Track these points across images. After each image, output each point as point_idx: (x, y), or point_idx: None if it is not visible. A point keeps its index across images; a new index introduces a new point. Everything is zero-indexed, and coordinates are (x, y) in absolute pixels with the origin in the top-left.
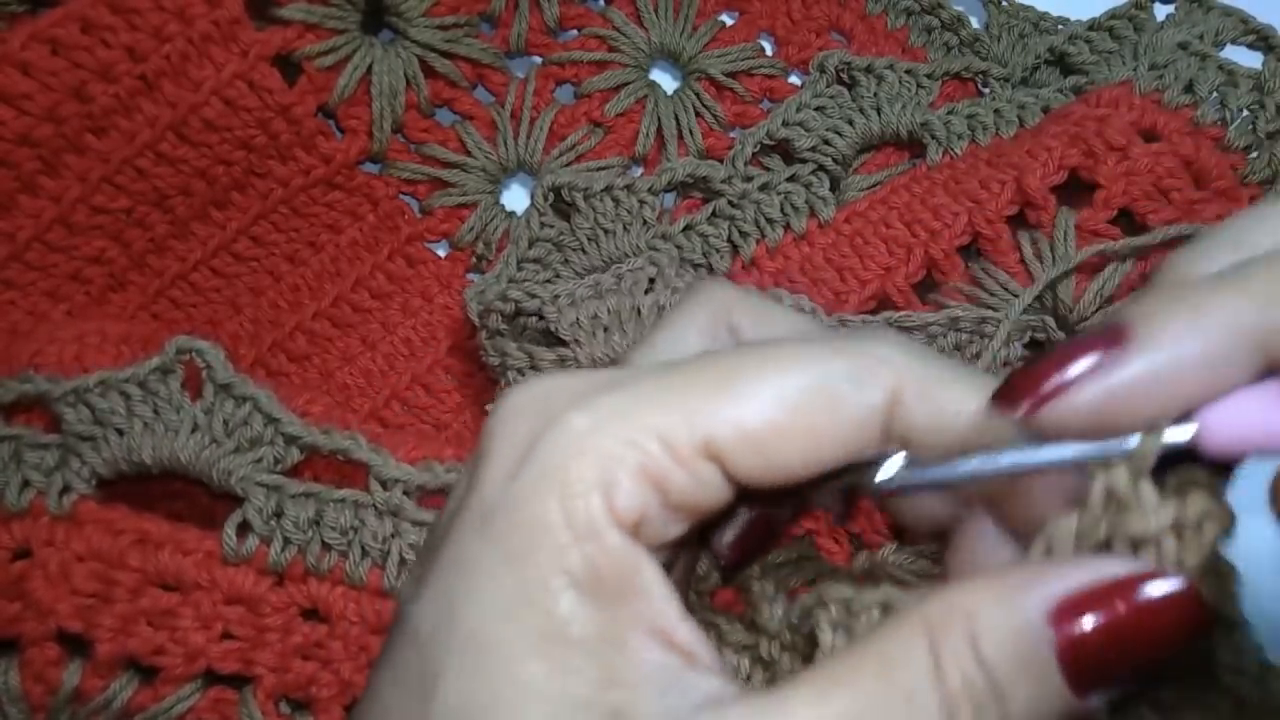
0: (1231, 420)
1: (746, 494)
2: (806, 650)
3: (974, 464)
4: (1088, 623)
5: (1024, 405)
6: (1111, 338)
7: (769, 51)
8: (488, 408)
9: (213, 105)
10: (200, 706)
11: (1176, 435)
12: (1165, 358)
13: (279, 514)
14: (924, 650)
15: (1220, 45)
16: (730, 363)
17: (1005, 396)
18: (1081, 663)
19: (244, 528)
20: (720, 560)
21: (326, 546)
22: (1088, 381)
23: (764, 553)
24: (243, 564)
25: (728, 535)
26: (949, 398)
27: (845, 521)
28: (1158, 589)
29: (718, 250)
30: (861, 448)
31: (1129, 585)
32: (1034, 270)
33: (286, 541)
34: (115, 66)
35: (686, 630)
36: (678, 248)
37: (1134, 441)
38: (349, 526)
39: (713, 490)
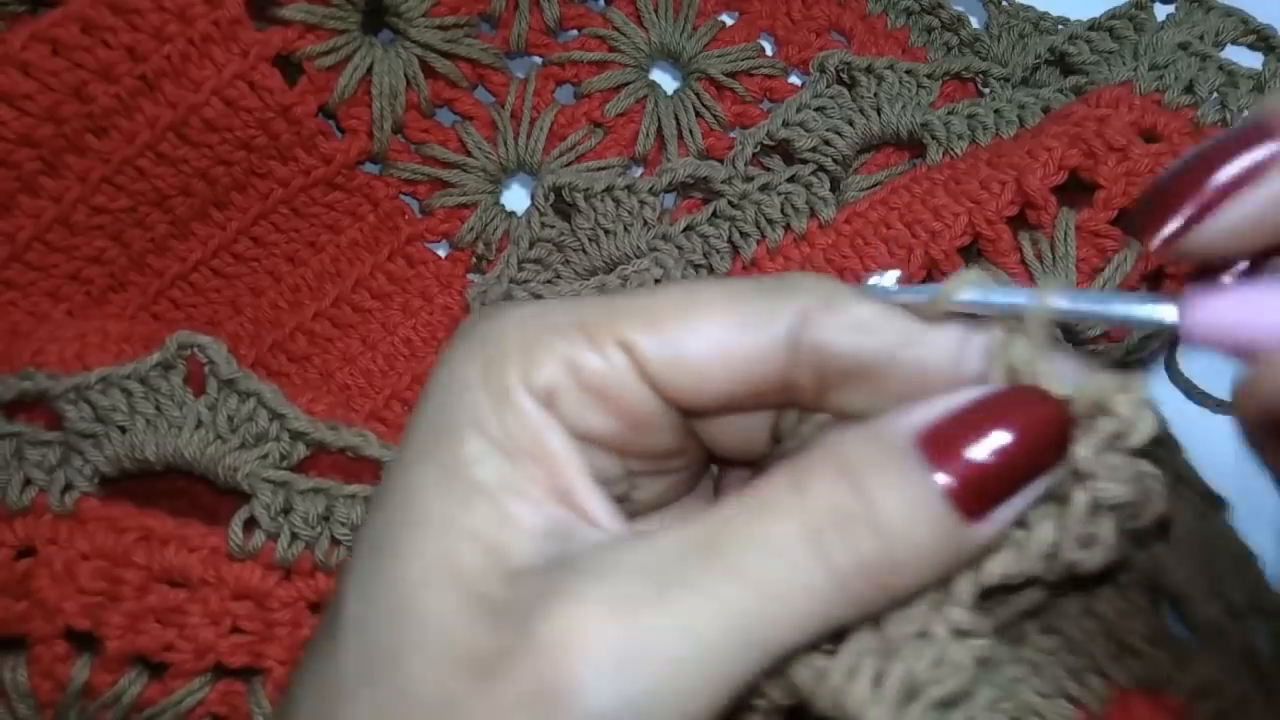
0: (1219, 312)
1: (691, 417)
2: None
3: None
4: (952, 436)
5: (1175, 222)
6: (1256, 135)
7: (769, 51)
8: None
9: (213, 105)
10: (210, 699)
11: (1162, 314)
12: None
13: (287, 510)
14: (789, 485)
15: (1220, 45)
16: (655, 289)
17: (1149, 216)
18: (945, 457)
19: (250, 524)
20: None
21: (336, 542)
22: (1247, 188)
23: None
24: (249, 560)
25: None
26: (860, 308)
27: None
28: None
29: (718, 251)
30: (776, 365)
31: (994, 405)
32: (1034, 270)
33: (294, 537)
34: (116, 67)
35: (592, 497)
36: (678, 248)
37: (1168, 313)
38: (359, 522)
39: (625, 380)
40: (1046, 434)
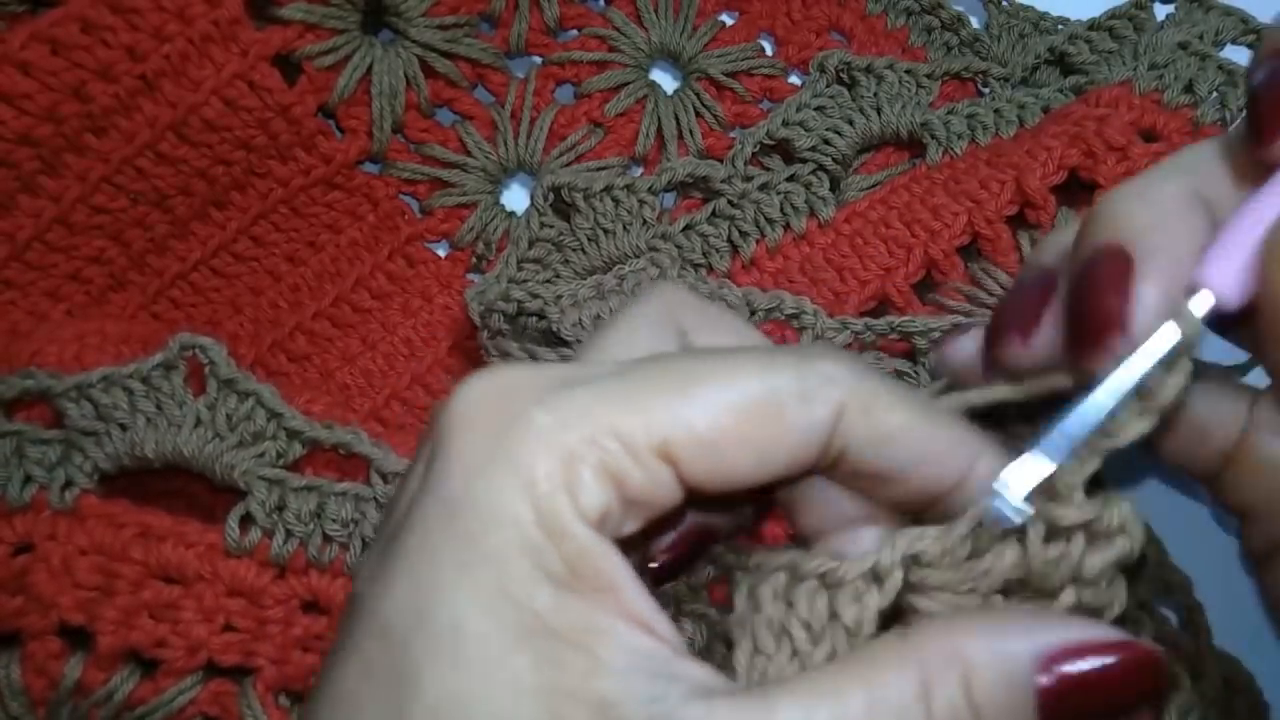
0: (1227, 270)
1: (694, 499)
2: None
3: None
4: (1069, 676)
5: (1094, 357)
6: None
7: (769, 51)
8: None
9: (213, 105)
10: (201, 699)
11: (1198, 306)
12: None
13: (281, 507)
14: (914, 687)
15: (1220, 45)
16: (686, 367)
17: (1077, 356)
18: (1057, 710)
19: (246, 521)
20: (652, 562)
21: (328, 539)
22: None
23: (697, 559)
24: (245, 557)
25: (666, 539)
26: (891, 418)
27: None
28: (1134, 652)
29: (717, 250)
30: (804, 460)
31: (1111, 647)
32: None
33: (289, 534)
34: (115, 66)
35: (663, 621)
36: (677, 248)
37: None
38: (350, 519)
39: (666, 490)
40: (1146, 701)
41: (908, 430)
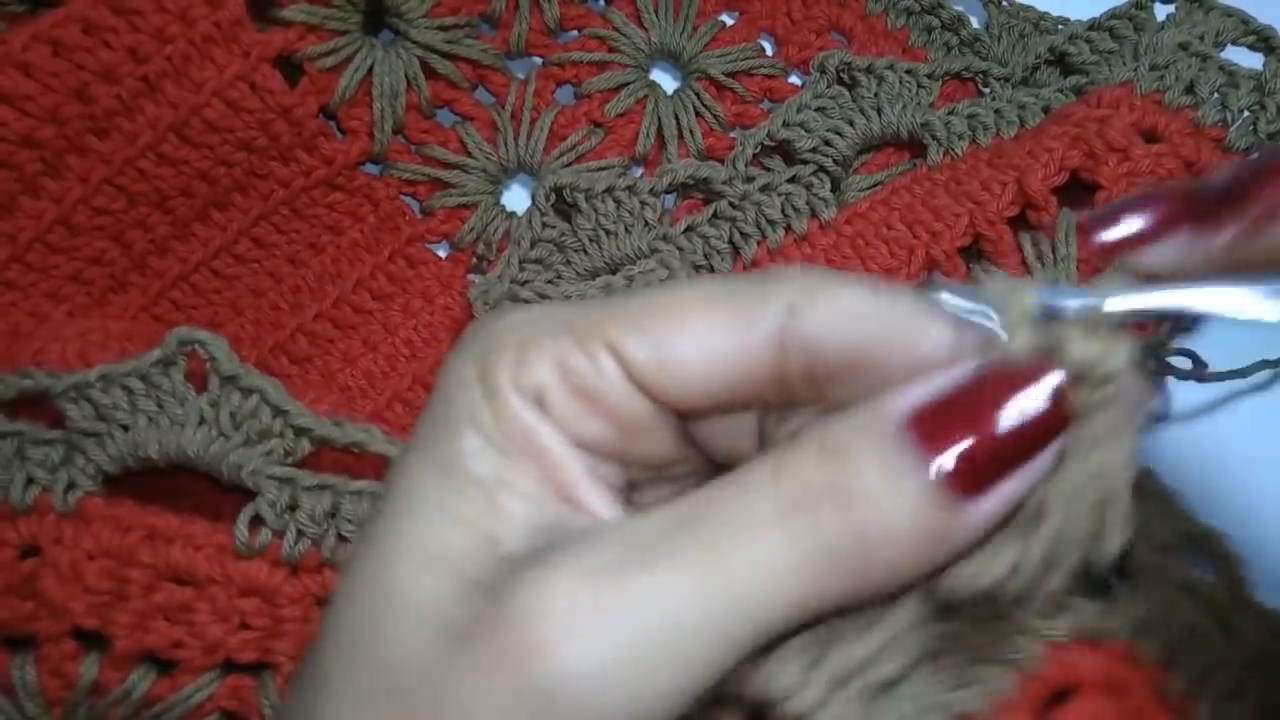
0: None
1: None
2: None
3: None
4: (942, 415)
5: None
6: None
7: (769, 51)
8: None
9: (214, 106)
10: (219, 694)
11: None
12: None
13: (293, 507)
14: (769, 465)
15: (1221, 46)
16: (649, 289)
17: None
18: (935, 439)
19: (256, 522)
20: None
21: (343, 538)
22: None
23: None
24: (256, 557)
25: None
26: (842, 294)
27: None
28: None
29: (719, 251)
30: (759, 361)
31: (977, 381)
32: (1035, 271)
33: (300, 534)
34: (117, 68)
35: (593, 494)
36: (679, 249)
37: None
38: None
39: (614, 383)
40: (1044, 413)
41: (870, 302)
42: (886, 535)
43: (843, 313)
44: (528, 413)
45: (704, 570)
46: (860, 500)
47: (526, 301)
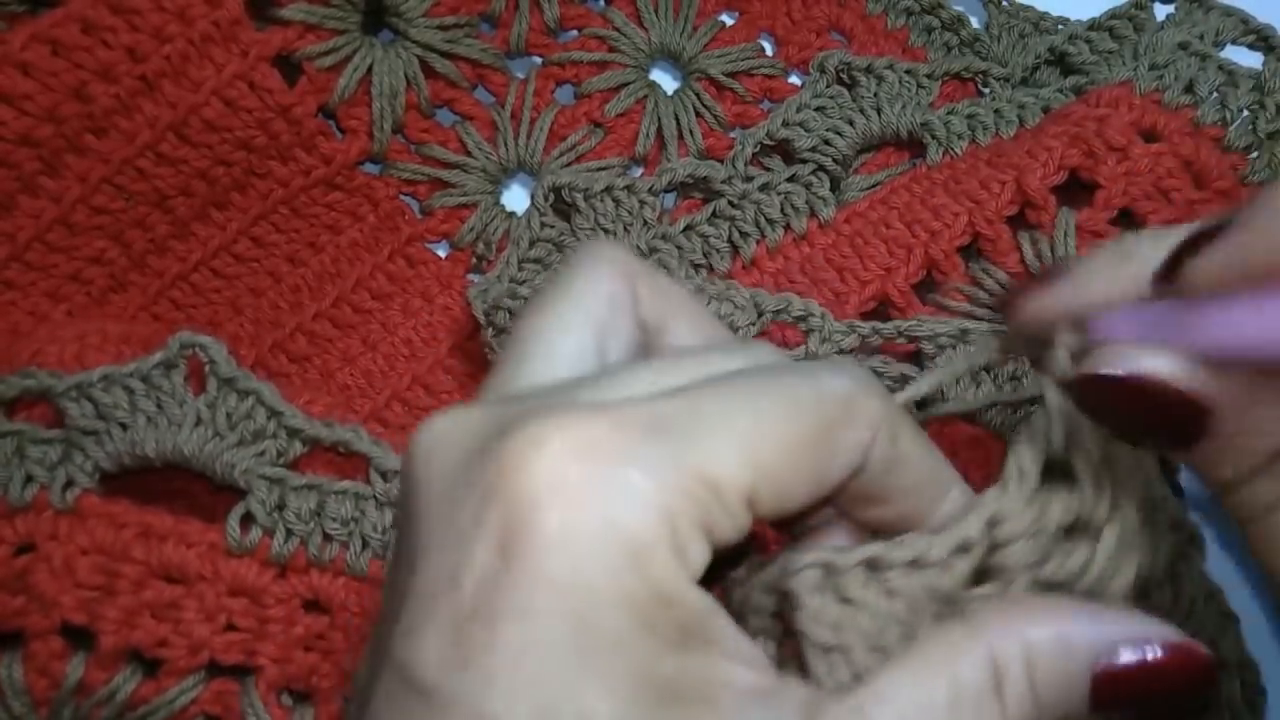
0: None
1: None
2: (780, 629)
3: None
4: (1125, 668)
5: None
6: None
7: (769, 51)
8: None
9: (213, 106)
10: (203, 698)
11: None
12: None
13: (282, 506)
14: (989, 673)
15: (1220, 45)
16: (745, 398)
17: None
18: (1108, 699)
19: (247, 520)
20: None
21: (328, 538)
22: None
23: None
24: (246, 556)
25: None
26: (908, 445)
27: None
28: (1188, 652)
29: (718, 251)
30: (841, 483)
31: (1167, 644)
32: (1034, 270)
33: (289, 533)
34: (116, 67)
35: (755, 651)
36: (678, 248)
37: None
38: (350, 517)
39: (743, 533)
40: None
41: (918, 458)
42: None
43: (906, 460)
44: (707, 604)
45: None
46: None
47: (526, 300)
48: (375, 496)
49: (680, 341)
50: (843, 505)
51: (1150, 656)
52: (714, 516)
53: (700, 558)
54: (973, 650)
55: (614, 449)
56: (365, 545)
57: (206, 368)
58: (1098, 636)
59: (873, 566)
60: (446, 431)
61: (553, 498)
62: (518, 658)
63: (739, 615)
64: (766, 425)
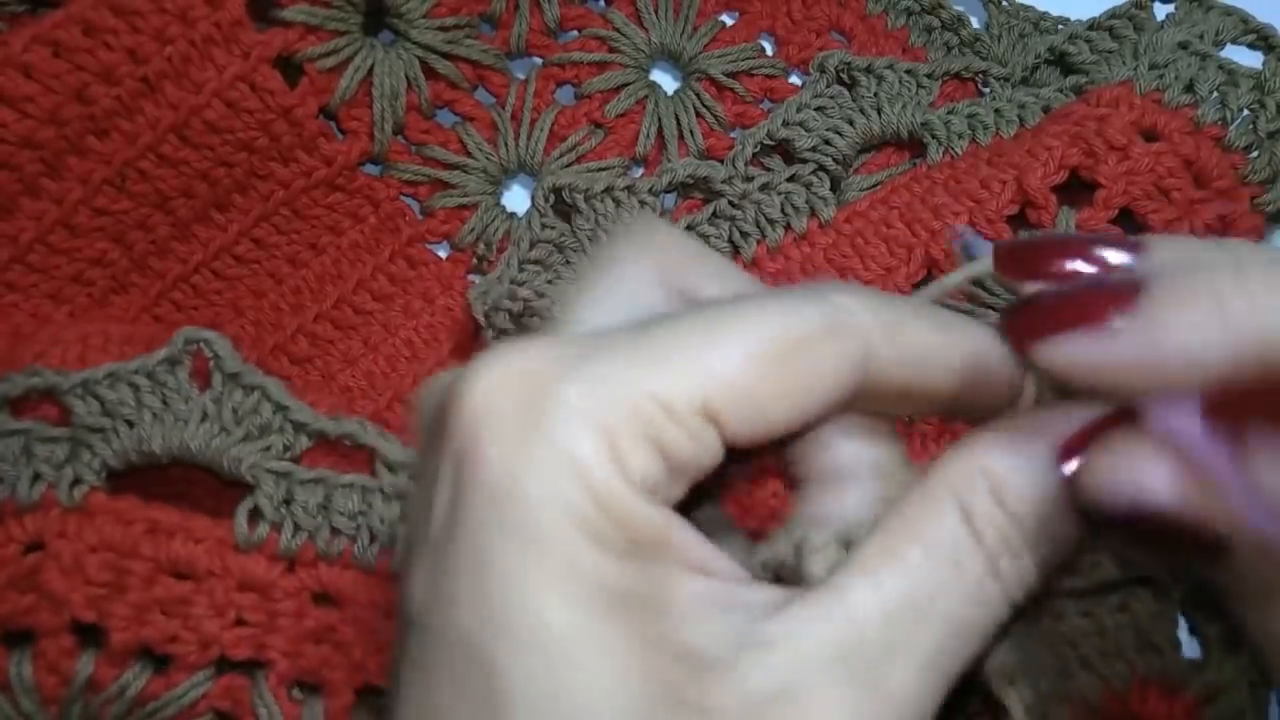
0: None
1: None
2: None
3: None
4: (1091, 454)
5: (1038, 347)
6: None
7: (769, 52)
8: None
9: (214, 107)
10: (213, 693)
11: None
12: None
13: (289, 500)
14: (957, 518)
15: (1220, 45)
16: (708, 318)
17: (1017, 332)
18: (1087, 492)
19: (255, 515)
20: None
21: (336, 531)
22: (1103, 347)
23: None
24: (254, 550)
25: None
26: (917, 337)
27: None
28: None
29: (718, 250)
30: (838, 398)
31: (1121, 416)
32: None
33: (297, 527)
34: (117, 69)
35: (719, 558)
36: None
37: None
38: (357, 510)
39: (711, 450)
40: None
41: (936, 345)
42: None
43: (922, 353)
44: (655, 514)
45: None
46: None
47: (526, 300)
48: (382, 489)
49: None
50: (885, 407)
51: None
52: (665, 431)
53: (648, 469)
54: (936, 499)
55: (551, 372)
56: (373, 538)
57: (211, 363)
58: (1053, 434)
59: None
60: (437, 379)
61: (489, 420)
62: (476, 578)
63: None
64: (722, 340)
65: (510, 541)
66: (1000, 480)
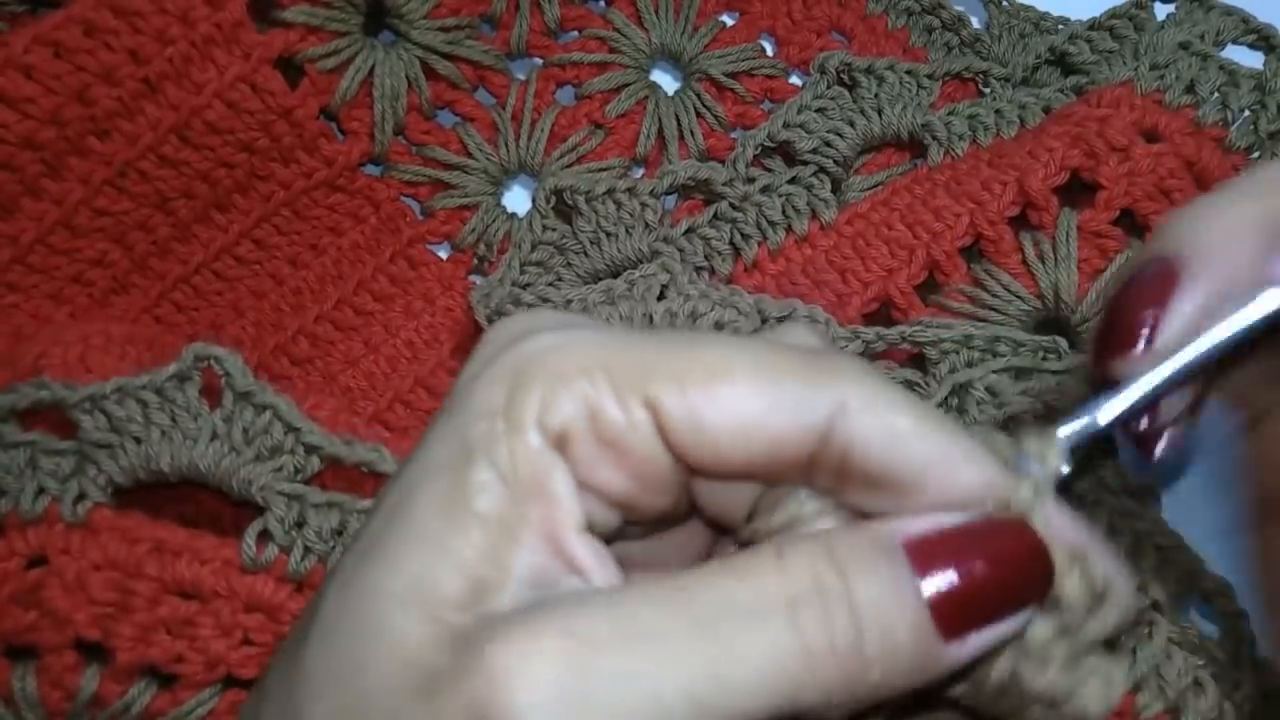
0: None
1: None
2: None
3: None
4: (940, 555)
5: (1116, 365)
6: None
7: (770, 52)
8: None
9: (215, 108)
10: (219, 709)
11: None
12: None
13: (301, 524)
14: (772, 554)
15: (1221, 45)
16: (693, 336)
17: (1101, 360)
18: (931, 569)
19: (263, 537)
20: None
21: None
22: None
23: None
24: (261, 572)
25: None
26: (900, 418)
27: None
28: (1001, 526)
29: (719, 253)
30: (798, 448)
31: (975, 528)
32: (1036, 271)
33: (307, 550)
34: (118, 69)
35: (583, 547)
36: (679, 250)
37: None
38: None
39: (645, 441)
40: (1029, 570)
41: (920, 431)
42: (881, 650)
43: (893, 435)
44: (547, 455)
45: (694, 651)
46: (863, 610)
47: (528, 305)
48: None
49: None
50: (850, 496)
51: (970, 545)
52: (601, 399)
53: (561, 413)
54: (759, 551)
55: (551, 321)
56: None
57: (222, 380)
58: (905, 526)
59: None
60: None
61: (485, 345)
62: (401, 500)
63: None
64: (697, 351)
65: (442, 432)
66: (836, 543)
